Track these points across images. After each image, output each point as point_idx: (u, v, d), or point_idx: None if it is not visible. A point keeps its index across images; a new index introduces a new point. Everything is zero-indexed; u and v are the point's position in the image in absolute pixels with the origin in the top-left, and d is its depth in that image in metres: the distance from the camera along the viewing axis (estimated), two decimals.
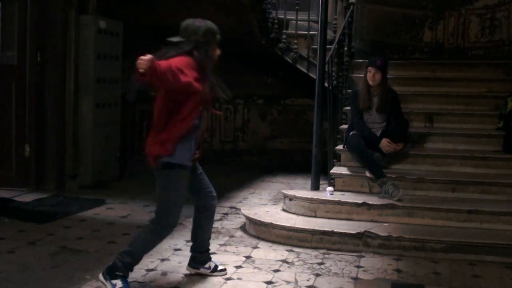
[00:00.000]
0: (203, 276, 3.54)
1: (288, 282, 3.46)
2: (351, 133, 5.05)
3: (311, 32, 6.48)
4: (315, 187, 5.01)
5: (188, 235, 4.41)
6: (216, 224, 4.79)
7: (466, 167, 4.99)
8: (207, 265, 3.54)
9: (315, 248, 4.18)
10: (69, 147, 5.96)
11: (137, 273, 3.55)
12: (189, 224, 4.77)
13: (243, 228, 4.69)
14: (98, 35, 6.04)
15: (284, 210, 4.80)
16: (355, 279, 3.58)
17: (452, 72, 6.24)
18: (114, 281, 3.16)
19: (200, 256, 3.56)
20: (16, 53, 5.90)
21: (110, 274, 3.19)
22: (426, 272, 3.73)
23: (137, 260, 3.27)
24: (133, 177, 6.76)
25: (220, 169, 7.32)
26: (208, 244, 3.60)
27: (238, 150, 8.29)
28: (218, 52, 3.29)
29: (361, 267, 3.80)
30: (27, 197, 5.52)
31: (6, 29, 5.95)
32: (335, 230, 4.22)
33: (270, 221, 4.42)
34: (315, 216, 4.59)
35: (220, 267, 3.57)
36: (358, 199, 4.60)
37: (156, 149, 3.14)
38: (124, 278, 3.20)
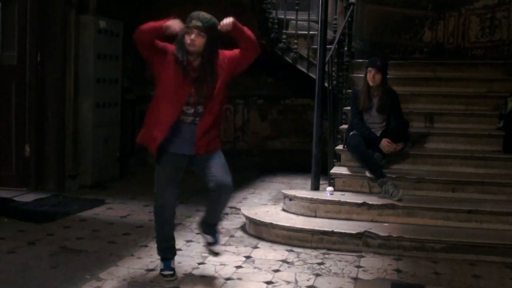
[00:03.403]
0: (203, 276, 3.54)
1: (288, 282, 3.46)
2: (351, 133, 5.05)
3: (311, 32, 6.48)
4: (315, 187, 5.01)
5: (188, 235, 4.44)
6: None
7: (466, 167, 4.99)
8: (207, 236, 3.57)
9: (315, 248, 4.18)
10: (69, 147, 5.97)
11: (137, 272, 3.56)
12: (189, 224, 4.79)
13: (243, 228, 4.69)
14: (98, 35, 6.04)
15: (284, 210, 4.80)
16: (355, 279, 3.58)
17: (452, 72, 6.23)
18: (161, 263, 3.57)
19: (204, 224, 3.60)
20: (16, 53, 5.90)
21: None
22: (426, 272, 3.73)
23: (158, 242, 3.57)
24: (133, 177, 6.77)
25: None
26: (212, 221, 3.56)
27: (238, 150, 8.28)
28: (190, 37, 3.21)
29: (361, 267, 3.80)
30: (27, 197, 5.52)
31: (6, 29, 5.94)
32: (335, 230, 4.22)
33: (270, 221, 4.42)
34: (315, 216, 4.59)
35: (215, 249, 3.57)
36: (358, 199, 4.60)
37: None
38: (163, 260, 3.55)
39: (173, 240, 3.60)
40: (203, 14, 3.28)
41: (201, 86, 3.28)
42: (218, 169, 3.38)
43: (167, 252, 3.57)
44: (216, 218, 3.58)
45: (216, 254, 3.62)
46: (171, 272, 3.50)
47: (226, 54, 3.37)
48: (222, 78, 3.33)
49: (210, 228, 3.57)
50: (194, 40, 3.22)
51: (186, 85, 3.28)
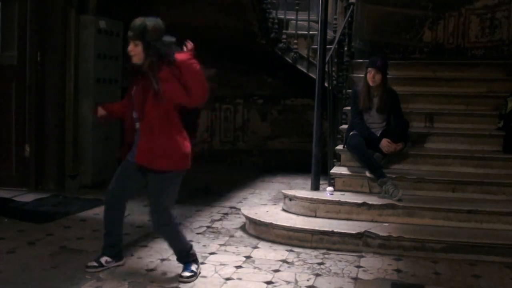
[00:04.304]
0: (203, 276, 3.54)
1: (288, 282, 3.46)
2: (351, 133, 5.05)
3: (311, 32, 6.48)
4: (315, 187, 5.01)
5: (188, 235, 4.41)
6: (216, 224, 4.80)
7: (466, 167, 4.99)
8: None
9: (315, 248, 4.18)
10: (69, 147, 5.96)
11: (137, 272, 3.55)
12: (189, 224, 4.78)
13: (243, 228, 4.69)
14: (98, 35, 6.04)
15: (284, 210, 4.80)
16: (355, 279, 3.58)
17: (452, 72, 6.24)
18: None
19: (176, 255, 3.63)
20: (16, 53, 5.90)
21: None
22: (426, 272, 3.73)
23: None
24: None
25: (220, 169, 7.32)
26: (175, 253, 3.59)
27: (238, 150, 8.28)
28: (129, 48, 3.28)
29: (361, 267, 3.80)
30: (27, 197, 5.52)
31: (6, 29, 5.95)
32: (335, 230, 4.22)
33: (270, 221, 4.42)
34: (315, 216, 4.59)
35: (181, 274, 3.48)
36: (358, 199, 4.60)
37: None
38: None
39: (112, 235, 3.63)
40: (135, 21, 3.28)
41: (138, 91, 3.34)
42: (150, 203, 3.45)
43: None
44: (174, 250, 3.54)
45: (182, 278, 3.45)
46: (95, 264, 3.57)
47: (179, 63, 3.22)
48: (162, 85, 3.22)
49: (179, 259, 3.54)
50: (130, 51, 3.27)
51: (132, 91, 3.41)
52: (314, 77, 5.40)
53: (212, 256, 3.94)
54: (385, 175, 4.72)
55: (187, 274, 3.45)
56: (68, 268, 3.63)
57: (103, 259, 3.58)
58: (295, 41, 6.55)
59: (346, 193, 4.80)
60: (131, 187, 3.59)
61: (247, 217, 4.65)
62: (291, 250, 4.13)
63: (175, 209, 3.50)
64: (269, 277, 3.55)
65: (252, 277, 3.54)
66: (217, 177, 6.88)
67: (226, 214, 5.18)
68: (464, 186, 4.72)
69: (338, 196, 4.68)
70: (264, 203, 5.54)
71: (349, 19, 6.17)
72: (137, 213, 5.13)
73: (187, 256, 3.52)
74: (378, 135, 5.00)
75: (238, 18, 6.42)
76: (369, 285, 3.49)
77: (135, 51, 3.25)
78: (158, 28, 3.28)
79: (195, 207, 5.26)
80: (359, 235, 4.17)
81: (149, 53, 3.23)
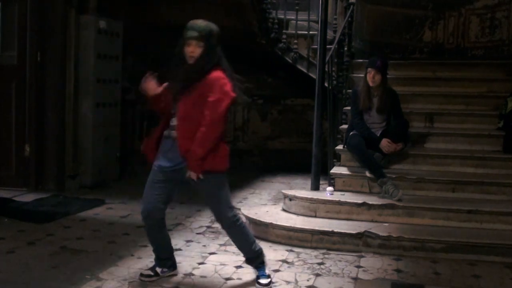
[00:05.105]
0: (203, 276, 3.54)
1: (288, 282, 3.46)
2: (351, 133, 5.05)
3: (311, 32, 6.49)
4: (315, 187, 5.01)
5: (188, 235, 4.42)
6: (216, 224, 4.78)
7: (466, 167, 5.00)
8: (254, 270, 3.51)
9: (315, 248, 4.18)
10: (69, 147, 5.96)
11: (137, 272, 3.55)
12: (189, 224, 4.79)
13: None
14: (98, 35, 6.04)
15: (284, 210, 4.80)
16: (355, 279, 3.58)
17: (452, 72, 6.24)
18: None
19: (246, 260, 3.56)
20: (16, 53, 5.90)
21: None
22: (426, 272, 3.73)
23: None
24: (133, 177, 6.76)
25: None
26: (245, 255, 3.51)
27: (238, 150, 8.28)
28: (189, 49, 3.12)
29: (361, 267, 3.80)
30: (27, 197, 5.52)
31: (6, 29, 5.95)
32: (335, 230, 4.22)
33: (270, 221, 4.42)
34: (315, 216, 4.59)
35: (260, 281, 3.40)
36: (358, 199, 4.60)
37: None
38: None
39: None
40: (199, 23, 3.14)
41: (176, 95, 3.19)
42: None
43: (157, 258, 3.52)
44: (243, 251, 3.47)
45: (263, 285, 3.37)
46: (151, 273, 3.48)
47: (214, 82, 3.12)
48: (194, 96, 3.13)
49: (249, 262, 3.48)
50: (193, 51, 3.12)
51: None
52: (314, 77, 5.40)
53: (212, 256, 3.94)
54: (385, 175, 4.72)
55: (264, 281, 3.36)
56: (68, 268, 3.63)
57: (159, 269, 3.48)
58: (295, 41, 6.55)
59: (346, 193, 4.80)
60: (166, 197, 3.50)
61: (247, 217, 4.64)
62: (291, 250, 4.13)
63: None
64: None
65: (252, 277, 3.54)
66: None
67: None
68: (464, 186, 4.72)
69: (338, 196, 4.69)
70: (264, 203, 5.54)
71: (349, 19, 6.18)
72: (137, 213, 5.13)
73: (256, 258, 3.43)
74: (378, 135, 5.00)
75: (238, 18, 6.42)
76: (369, 285, 3.49)
77: (197, 52, 3.12)
78: (218, 35, 3.18)
79: (195, 207, 5.26)
80: (359, 235, 4.17)
81: (206, 57, 3.13)
